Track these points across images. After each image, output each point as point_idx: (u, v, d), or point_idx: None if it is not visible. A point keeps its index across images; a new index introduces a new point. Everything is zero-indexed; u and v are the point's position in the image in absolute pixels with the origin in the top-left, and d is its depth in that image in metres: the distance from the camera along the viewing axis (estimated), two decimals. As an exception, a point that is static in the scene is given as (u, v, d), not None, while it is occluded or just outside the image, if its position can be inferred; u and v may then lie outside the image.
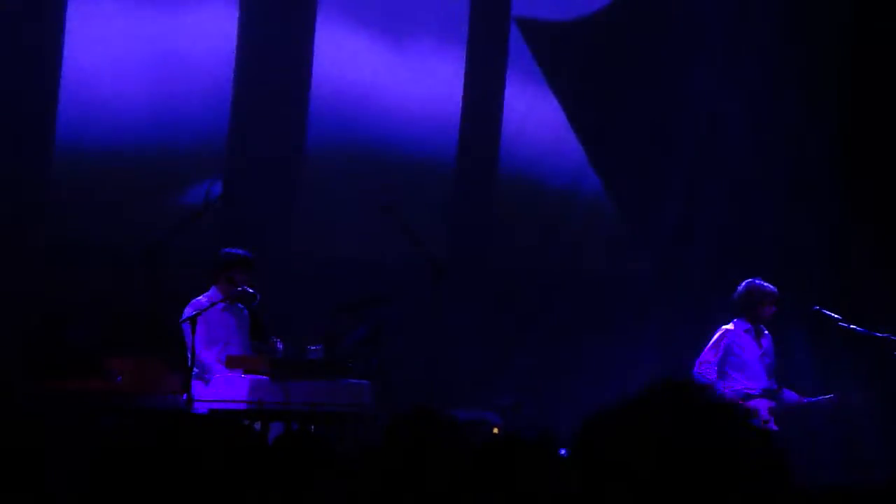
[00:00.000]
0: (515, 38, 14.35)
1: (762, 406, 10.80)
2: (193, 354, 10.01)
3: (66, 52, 12.42)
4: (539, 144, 14.37)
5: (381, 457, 2.65)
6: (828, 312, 11.21)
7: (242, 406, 9.76)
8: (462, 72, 14.16)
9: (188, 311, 10.28)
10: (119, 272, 11.84)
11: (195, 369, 10.03)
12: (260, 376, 9.91)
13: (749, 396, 10.80)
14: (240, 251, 10.59)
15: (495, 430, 12.58)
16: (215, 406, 9.89)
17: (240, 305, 10.65)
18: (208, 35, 12.99)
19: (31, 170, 12.18)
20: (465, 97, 14.18)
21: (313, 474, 4.52)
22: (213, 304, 10.34)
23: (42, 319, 10.92)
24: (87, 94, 12.46)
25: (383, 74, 13.67)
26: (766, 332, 11.04)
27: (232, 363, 10.10)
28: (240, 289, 10.42)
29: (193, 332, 10.03)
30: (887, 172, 13.47)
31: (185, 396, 9.86)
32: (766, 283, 10.98)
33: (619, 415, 2.02)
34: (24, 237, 11.95)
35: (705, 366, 10.80)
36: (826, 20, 13.80)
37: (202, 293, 10.54)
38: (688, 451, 1.96)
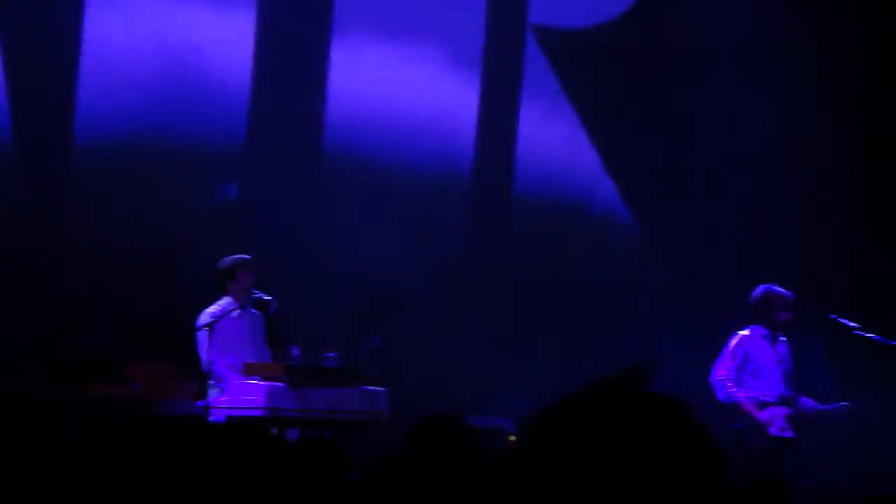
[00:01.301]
0: (530, 52, 14.36)
1: (779, 413, 10.79)
2: (210, 362, 10.04)
3: (83, 52, 12.46)
4: (554, 154, 14.38)
5: (403, 466, 2.66)
6: (844, 320, 11.20)
7: (259, 413, 9.79)
8: (478, 84, 14.19)
9: (201, 320, 10.33)
10: (139, 278, 11.88)
11: (211, 377, 10.07)
12: (276, 383, 9.93)
13: (765, 404, 10.79)
14: (237, 255, 10.66)
15: (511, 438, 12.59)
16: (232, 413, 9.91)
17: (254, 310, 10.68)
18: (226, 39, 13.03)
19: (50, 173, 12.23)
20: (481, 107, 14.20)
21: (328, 483, 4.53)
22: (228, 312, 10.38)
23: (61, 324, 10.95)
24: (105, 96, 12.49)
25: (398, 86, 13.69)
26: (783, 338, 11.02)
27: (249, 370, 10.12)
28: (256, 295, 10.46)
29: (211, 339, 10.07)
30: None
31: (202, 403, 9.90)
32: (781, 289, 10.97)
33: (552, 415, 2.01)
34: (45, 241, 11.99)
35: (722, 372, 10.79)
36: (848, 21, 13.76)
37: (215, 301, 10.59)
38: (617, 451, 1.95)
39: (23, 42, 12.13)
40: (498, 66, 14.29)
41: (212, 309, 10.45)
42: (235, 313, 10.52)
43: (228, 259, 10.67)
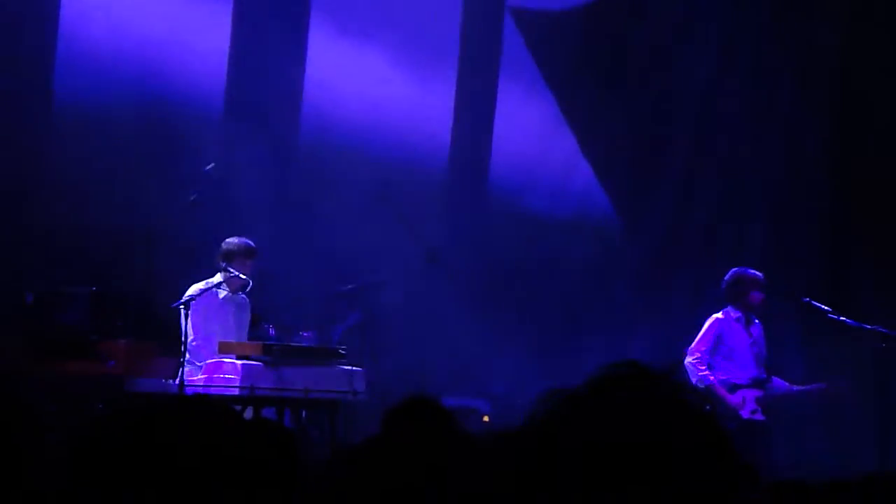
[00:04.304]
0: (508, 35, 14.39)
1: (750, 396, 10.86)
2: (186, 339, 10.04)
3: (60, 33, 12.44)
4: (530, 137, 14.42)
5: (379, 446, 2.69)
6: (817, 304, 11.27)
7: (235, 391, 9.79)
8: (455, 68, 14.23)
9: (187, 295, 10.31)
10: (114, 255, 11.86)
11: (188, 354, 10.06)
12: (252, 362, 9.94)
13: (737, 386, 10.86)
14: (240, 240, 10.59)
15: (485, 419, 12.64)
16: (207, 391, 9.91)
17: (241, 295, 10.65)
18: (203, 21, 13.02)
19: (26, 151, 12.19)
20: (458, 90, 14.24)
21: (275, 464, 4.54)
22: (205, 290, 10.36)
23: (36, 301, 10.93)
24: (82, 74, 12.48)
25: (376, 70, 13.71)
26: (757, 320, 11.09)
27: (224, 348, 10.12)
28: (232, 275, 10.43)
29: (186, 316, 10.07)
30: (881, 164, 13.51)
31: (176, 381, 9.90)
32: (752, 270, 11.05)
33: (568, 401, 2.04)
34: (19, 217, 11.96)
35: (696, 355, 10.85)
36: (821, 9, 13.82)
37: (196, 277, 10.56)
38: (623, 443, 1.97)
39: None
40: (475, 50, 14.32)
41: (199, 285, 10.43)
42: (223, 295, 10.50)
43: (230, 242, 10.59)
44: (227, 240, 10.60)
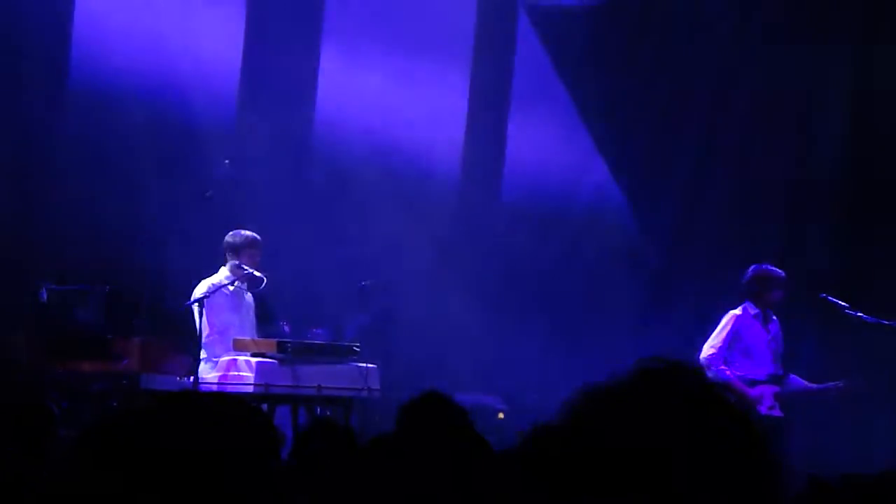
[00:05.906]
0: (522, 33, 14.42)
1: (767, 392, 10.81)
2: (201, 335, 10.03)
3: (74, 33, 12.46)
4: (544, 136, 14.41)
5: (394, 442, 2.67)
6: (835, 300, 11.22)
7: (250, 389, 9.78)
8: (469, 68, 14.26)
9: (198, 292, 10.29)
10: (128, 252, 11.88)
11: (203, 351, 10.05)
12: (267, 359, 9.92)
13: (755, 382, 10.81)
14: (246, 232, 10.56)
15: (500, 415, 12.62)
16: (222, 388, 9.90)
17: (244, 288, 10.63)
18: (217, 22, 13.06)
19: (42, 149, 12.20)
20: (472, 89, 14.25)
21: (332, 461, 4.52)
22: (218, 287, 10.34)
23: (50, 299, 10.94)
24: (98, 71, 12.49)
25: (389, 76, 13.73)
26: (775, 317, 11.03)
27: (239, 346, 10.11)
28: (247, 272, 10.42)
29: (201, 314, 10.05)
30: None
31: (191, 378, 9.89)
32: (773, 268, 10.98)
33: (604, 397, 2.01)
34: (34, 215, 11.97)
35: (712, 350, 10.80)
36: (837, 5, 13.79)
37: (209, 274, 10.55)
38: (666, 438, 1.95)
39: (12, 26, 12.07)
40: (490, 47, 14.34)
41: (210, 280, 10.40)
42: (232, 287, 10.48)
43: (239, 234, 10.55)
44: (232, 233, 10.55)
